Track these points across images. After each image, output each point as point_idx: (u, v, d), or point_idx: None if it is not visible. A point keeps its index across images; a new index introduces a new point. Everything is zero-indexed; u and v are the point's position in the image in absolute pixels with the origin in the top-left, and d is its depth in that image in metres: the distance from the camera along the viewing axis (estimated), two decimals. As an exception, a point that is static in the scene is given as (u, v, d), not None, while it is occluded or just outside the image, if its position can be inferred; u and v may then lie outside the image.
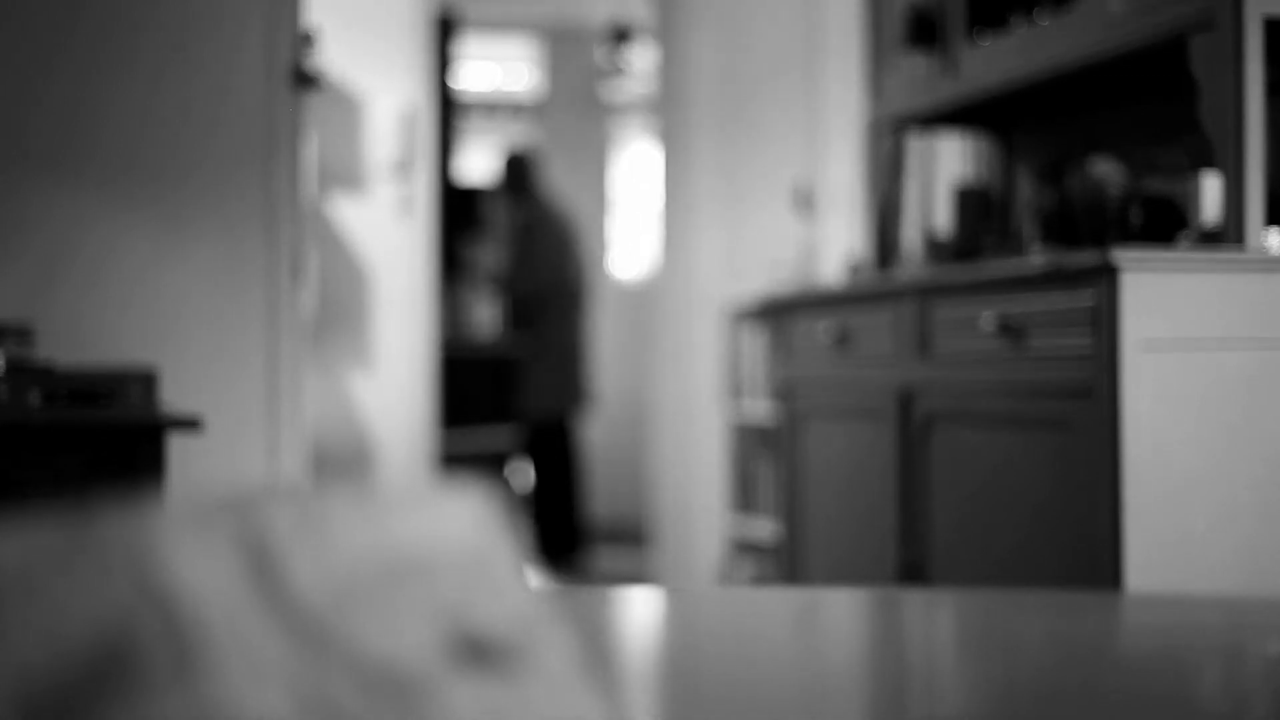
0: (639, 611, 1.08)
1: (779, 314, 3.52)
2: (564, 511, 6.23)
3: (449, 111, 6.52)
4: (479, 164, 7.65)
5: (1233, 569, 2.19)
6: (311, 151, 3.60)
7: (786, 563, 3.44)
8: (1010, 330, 2.44)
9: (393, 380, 5.11)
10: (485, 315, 7.01)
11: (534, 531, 6.07)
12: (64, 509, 0.39)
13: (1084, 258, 2.23)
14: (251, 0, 3.06)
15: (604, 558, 6.41)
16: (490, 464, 6.36)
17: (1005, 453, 2.49)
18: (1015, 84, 2.93)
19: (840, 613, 1.10)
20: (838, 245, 4.58)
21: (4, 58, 2.93)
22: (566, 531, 6.23)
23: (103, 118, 2.98)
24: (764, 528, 4.06)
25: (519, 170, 6.28)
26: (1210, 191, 2.51)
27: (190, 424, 2.34)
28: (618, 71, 7.76)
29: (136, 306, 2.98)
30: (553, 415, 6.23)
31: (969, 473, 2.62)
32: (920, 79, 3.26)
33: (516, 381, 6.28)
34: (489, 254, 6.61)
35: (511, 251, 6.30)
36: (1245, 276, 2.22)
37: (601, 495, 7.11)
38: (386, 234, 5.09)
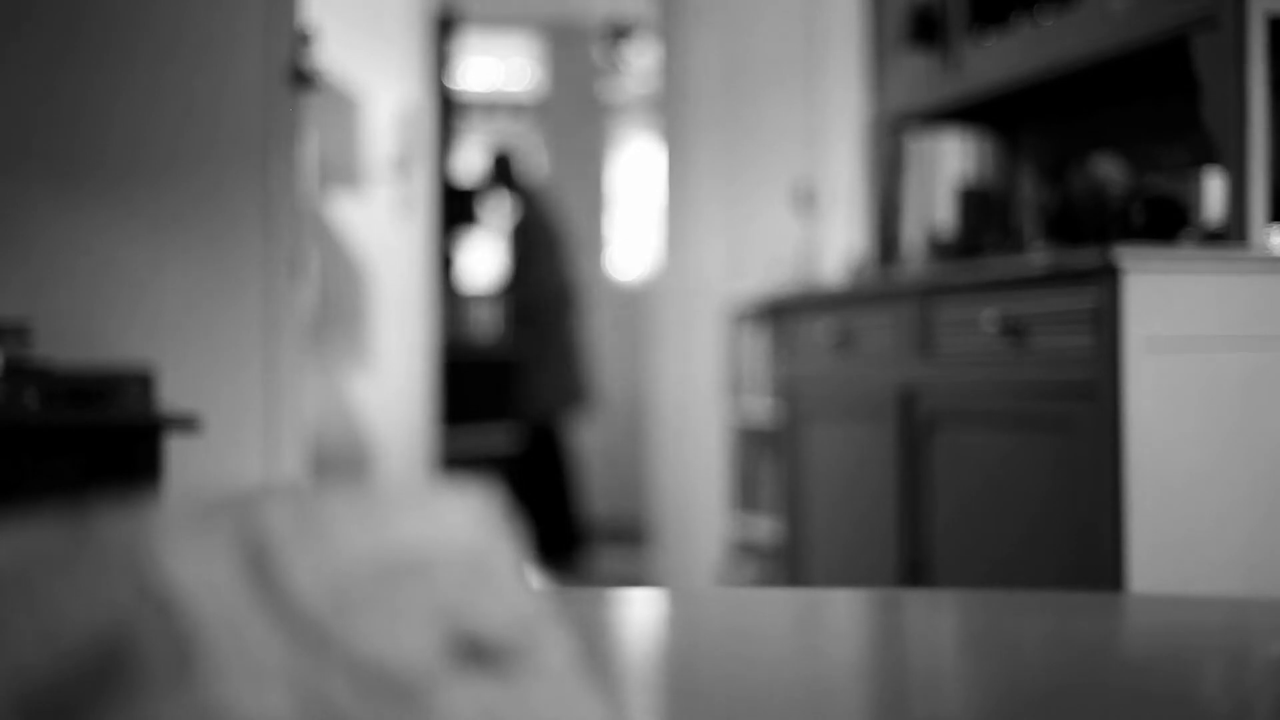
0: (639, 612, 1.07)
1: (780, 313, 3.52)
2: (562, 512, 6.23)
3: (448, 110, 6.51)
4: (478, 162, 7.65)
5: (1235, 569, 2.18)
6: (310, 150, 3.59)
7: (787, 563, 3.43)
8: (1012, 330, 2.44)
9: (392, 380, 5.11)
10: (485, 315, 7.01)
11: (533, 531, 6.07)
12: (62, 509, 0.38)
13: (1086, 257, 2.23)
14: (251, -1, 3.06)
15: (604, 558, 6.41)
16: (490, 464, 6.36)
17: (1007, 453, 2.49)
18: (1017, 82, 2.93)
19: (841, 613, 1.10)
20: (839, 244, 4.57)
21: (4, 58, 2.92)
22: (565, 531, 6.23)
23: (101, 118, 2.97)
24: (765, 528, 4.06)
25: (504, 168, 6.30)
26: (1213, 190, 2.51)
27: (188, 424, 2.34)
28: (617, 70, 7.76)
29: (135, 306, 2.98)
30: (549, 416, 6.23)
31: (970, 473, 2.62)
32: (922, 77, 3.26)
33: (515, 382, 6.28)
34: (487, 258, 6.62)
35: (510, 255, 6.31)
36: (1248, 276, 2.21)
37: (601, 495, 7.10)
38: (385, 233, 5.09)
